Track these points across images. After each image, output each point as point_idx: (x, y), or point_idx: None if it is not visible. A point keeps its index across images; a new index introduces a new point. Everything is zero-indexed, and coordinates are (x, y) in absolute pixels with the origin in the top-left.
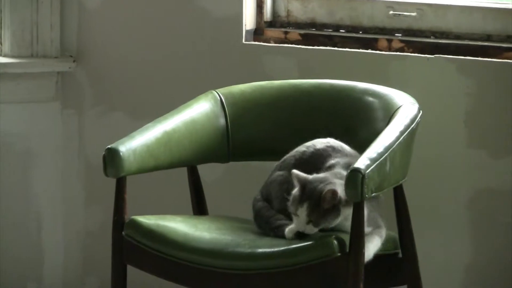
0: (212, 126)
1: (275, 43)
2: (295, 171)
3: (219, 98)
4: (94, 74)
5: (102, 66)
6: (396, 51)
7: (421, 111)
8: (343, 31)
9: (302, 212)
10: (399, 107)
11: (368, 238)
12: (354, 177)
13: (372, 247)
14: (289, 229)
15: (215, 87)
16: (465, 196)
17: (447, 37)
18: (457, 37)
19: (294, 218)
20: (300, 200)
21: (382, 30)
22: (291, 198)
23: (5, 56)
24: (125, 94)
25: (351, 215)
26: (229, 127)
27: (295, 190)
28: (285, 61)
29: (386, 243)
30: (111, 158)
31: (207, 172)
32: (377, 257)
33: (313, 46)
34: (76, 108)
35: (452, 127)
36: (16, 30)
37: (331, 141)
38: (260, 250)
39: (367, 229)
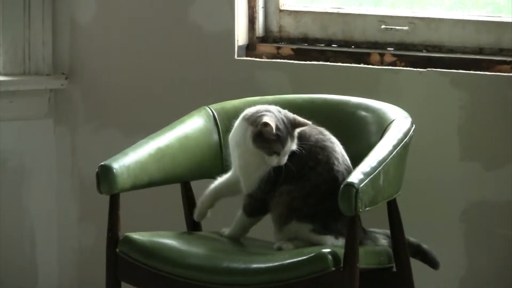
0: (205, 142)
1: (268, 58)
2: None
3: (212, 114)
4: (87, 91)
5: (95, 83)
6: (389, 65)
7: (414, 125)
8: (336, 45)
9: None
10: (392, 121)
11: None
12: (348, 191)
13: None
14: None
15: (208, 103)
16: (459, 209)
17: (439, 51)
18: (450, 50)
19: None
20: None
21: (374, 45)
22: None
23: None
24: (118, 110)
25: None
26: (222, 142)
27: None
28: (278, 76)
29: (380, 256)
30: (105, 175)
31: (201, 188)
32: (371, 271)
33: (305, 61)
34: (69, 125)
35: (446, 140)
36: (8, 47)
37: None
38: (254, 265)
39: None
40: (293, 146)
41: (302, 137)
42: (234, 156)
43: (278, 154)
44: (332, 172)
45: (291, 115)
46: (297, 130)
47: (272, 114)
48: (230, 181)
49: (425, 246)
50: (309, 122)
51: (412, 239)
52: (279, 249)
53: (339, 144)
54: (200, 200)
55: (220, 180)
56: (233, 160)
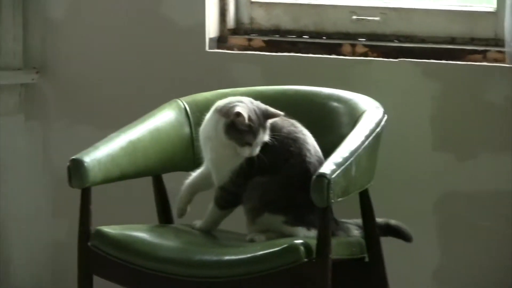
0: (177, 134)
1: (239, 50)
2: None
3: (183, 106)
4: (58, 86)
5: (66, 77)
6: (360, 56)
7: (386, 115)
8: (307, 37)
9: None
10: (364, 111)
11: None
12: (320, 182)
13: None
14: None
15: (179, 95)
16: (431, 199)
17: (411, 41)
18: (422, 40)
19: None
20: None
21: (346, 35)
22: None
23: None
24: (89, 105)
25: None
26: (194, 135)
27: None
28: (250, 68)
29: (352, 247)
30: (76, 169)
31: (172, 180)
32: (344, 261)
33: (277, 52)
34: (40, 119)
35: (418, 131)
36: None
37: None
38: (226, 257)
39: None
40: (265, 137)
41: (274, 129)
42: (206, 149)
43: (250, 145)
44: (304, 164)
45: (263, 106)
46: (269, 121)
47: (245, 105)
48: (204, 175)
49: (393, 221)
50: (281, 113)
51: (378, 219)
52: (252, 241)
53: (311, 136)
54: (178, 197)
55: (194, 174)
56: (204, 153)
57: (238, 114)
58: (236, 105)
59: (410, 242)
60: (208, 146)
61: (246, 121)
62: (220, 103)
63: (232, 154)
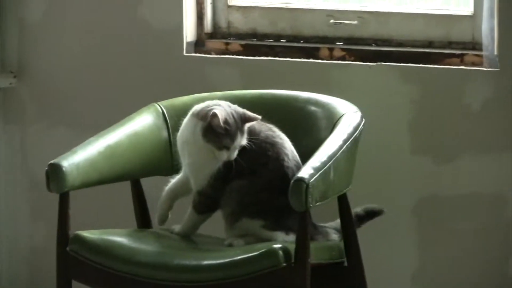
0: (155, 139)
1: (217, 54)
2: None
3: (161, 110)
4: (36, 89)
5: (44, 81)
6: (338, 60)
7: (364, 119)
8: (284, 40)
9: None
10: (342, 115)
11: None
12: (298, 186)
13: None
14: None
15: (157, 99)
16: (410, 203)
17: (389, 45)
18: (399, 44)
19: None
20: None
21: (323, 39)
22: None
23: None
24: (67, 108)
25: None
26: (172, 139)
27: None
28: (227, 72)
29: (331, 251)
30: (54, 173)
31: (151, 185)
32: (323, 266)
33: (254, 56)
34: (18, 123)
35: (396, 134)
36: None
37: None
38: (205, 262)
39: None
40: (243, 141)
41: (252, 133)
42: (183, 154)
43: (228, 148)
44: (282, 168)
45: (240, 110)
46: (247, 125)
47: (222, 108)
48: (183, 181)
49: (359, 209)
50: (259, 117)
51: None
52: (230, 245)
53: (288, 141)
54: (158, 204)
55: (174, 181)
56: (182, 158)
57: (214, 115)
58: (213, 108)
59: (384, 214)
60: (186, 151)
61: (221, 123)
62: (197, 107)
63: (209, 158)
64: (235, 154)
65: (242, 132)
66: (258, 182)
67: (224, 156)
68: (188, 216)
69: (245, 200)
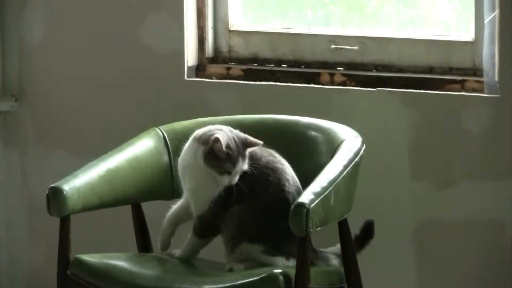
0: (156, 163)
1: (218, 79)
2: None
3: (162, 135)
4: (37, 113)
5: (44, 105)
6: (339, 85)
7: (364, 145)
8: (285, 65)
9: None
10: (343, 141)
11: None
12: (299, 211)
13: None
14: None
15: (157, 124)
16: (410, 228)
17: (389, 70)
18: (400, 69)
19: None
20: None
21: (324, 64)
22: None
23: None
24: (67, 132)
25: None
26: (172, 163)
27: None
28: (228, 96)
29: (331, 277)
30: (55, 197)
31: (152, 209)
32: None
33: (255, 81)
34: (19, 147)
35: (396, 160)
36: None
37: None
38: (206, 286)
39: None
40: (245, 166)
41: (253, 158)
42: (184, 179)
43: (229, 173)
44: (283, 193)
45: (242, 134)
46: (249, 150)
47: (224, 132)
48: (184, 206)
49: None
50: (261, 142)
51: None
52: (230, 270)
53: (289, 167)
54: (161, 230)
55: (175, 207)
56: (183, 183)
57: (217, 140)
58: (215, 133)
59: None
60: (186, 175)
61: (224, 148)
62: (199, 131)
63: (210, 183)
64: (236, 179)
65: (243, 157)
66: (258, 207)
67: (225, 180)
68: (188, 240)
69: (245, 225)
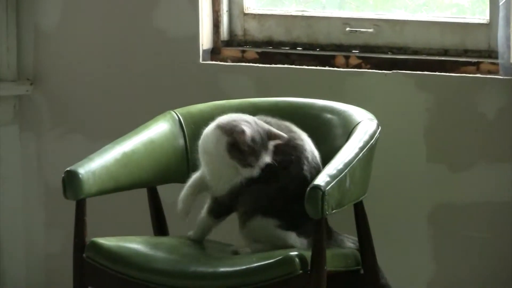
0: (171, 146)
1: (233, 62)
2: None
3: (177, 118)
4: (52, 97)
5: (60, 89)
6: (354, 68)
7: (380, 127)
8: (300, 48)
9: None
10: (358, 123)
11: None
12: (314, 194)
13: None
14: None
15: (173, 107)
16: (426, 211)
17: (404, 53)
18: (415, 52)
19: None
20: None
21: (339, 47)
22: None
23: None
24: (83, 116)
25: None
26: (188, 147)
27: None
28: (243, 80)
29: (347, 259)
30: (70, 180)
31: (167, 192)
32: (339, 273)
33: (270, 64)
34: (35, 131)
35: (411, 142)
36: None
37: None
38: (222, 269)
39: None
40: (268, 159)
41: (273, 137)
42: (204, 161)
43: (252, 166)
44: (301, 173)
45: (266, 126)
46: (271, 143)
47: (249, 124)
48: (203, 178)
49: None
50: (285, 136)
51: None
52: (236, 253)
53: (309, 141)
54: (180, 198)
55: (195, 176)
56: (202, 164)
57: (242, 132)
58: (240, 124)
59: None
60: (205, 160)
61: (248, 141)
62: (222, 120)
63: (232, 172)
64: (257, 171)
65: (266, 150)
66: (275, 186)
67: (247, 173)
68: (202, 220)
69: (260, 202)
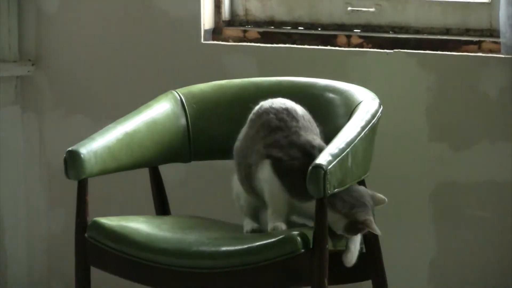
0: (173, 126)
1: (234, 42)
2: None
3: (179, 98)
4: (54, 77)
5: (61, 69)
6: (356, 47)
7: (381, 106)
8: (302, 28)
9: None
10: (360, 102)
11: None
12: (316, 173)
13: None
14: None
15: (175, 87)
16: (428, 190)
17: (406, 32)
18: (417, 31)
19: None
20: None
21: (341, 27)
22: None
23: None
24: (84, 96)
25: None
26: (190, 126)
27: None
28: (245, 59)
29: None
30: (72, 160)
31: (169, 172)
32: (341, 252)
33: (272, 44)
34: (36, 111)
35: (414, 121)
36: None
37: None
38: (224, 248)
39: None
40: None
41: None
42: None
43: None
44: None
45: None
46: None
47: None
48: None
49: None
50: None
51: None
52: (253, 231)
53: (314, 129)
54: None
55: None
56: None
57: (370, 222)
58: (362, 211)
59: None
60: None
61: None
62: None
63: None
64: None
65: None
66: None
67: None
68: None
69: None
